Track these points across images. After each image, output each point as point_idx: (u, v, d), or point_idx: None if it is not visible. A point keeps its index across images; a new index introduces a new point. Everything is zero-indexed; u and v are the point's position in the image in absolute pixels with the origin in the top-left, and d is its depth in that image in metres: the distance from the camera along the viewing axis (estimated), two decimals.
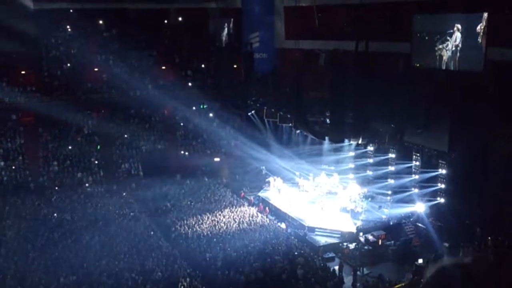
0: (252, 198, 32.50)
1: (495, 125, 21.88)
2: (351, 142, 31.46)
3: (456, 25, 21.11)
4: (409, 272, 22.33)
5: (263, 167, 36.64)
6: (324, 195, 31.14)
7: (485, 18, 19.82)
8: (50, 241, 25.29)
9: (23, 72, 38.34)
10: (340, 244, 25.76)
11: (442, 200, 26.31)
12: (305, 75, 32.45)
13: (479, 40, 20.09)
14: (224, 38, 40.29)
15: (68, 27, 41.74)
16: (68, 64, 40.19)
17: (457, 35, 21.11)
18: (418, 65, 23.40)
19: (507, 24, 20.15)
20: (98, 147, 37.97)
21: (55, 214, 29.43)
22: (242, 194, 33.65)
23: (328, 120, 30.54)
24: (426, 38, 22.73)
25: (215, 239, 25.26)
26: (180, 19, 45.79)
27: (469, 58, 20.69)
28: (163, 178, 35.39)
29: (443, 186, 26.27)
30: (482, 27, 19.90)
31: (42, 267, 22.24)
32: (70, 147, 37.34)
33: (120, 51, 39.99)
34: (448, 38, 21.50)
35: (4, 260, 23.10)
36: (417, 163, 27.99)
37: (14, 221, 28.25)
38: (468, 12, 20.92)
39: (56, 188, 34.22)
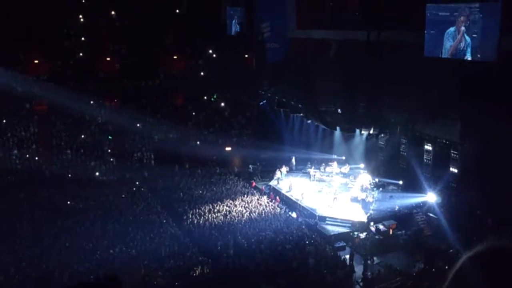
0: (263, 187, 32.66)
1: (507, 115, 21.74)
2: (363, 132, 31.45)
3: (470, 14, 20.91)
4: (420, 262, 22.41)
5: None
6: (335, 184, 31.18)
7: (500, 7, 19.62)
8: (64, 229, 25.58)
9: (36, 61, 38.67)
10: (351, 234, 25.80)
11: (453, 191, 26.23)
12: (317, 65, 32.40)
13: (493, 29, 19.91)
14: (235, 28, 40.23)
15: (80, 16, 41.94)
16: (81, 54, 40.43)
17: (471, 25, 20.92)
18: (430, 55, 23.23)
19: None
20: (110, 136, 38.27)
21: (68, 202, 29.84)
22: (253, 183, 33.79)
23: (339, 110, 30.51)
24: (439, 27, 22.56)
25: (226, 228, 25.47)
26: (191, 8, 45.71)
27: (483, 48, 20.52)
28: (175, 168, 35.65)
29: (454, 176, 26.18)
30: (497, 16, 19.71)
31: (55, 255, 22.52)
32: (83, 136, 37.70)
33: (132, 41, 40.13)
34: (462, 27, 21.33)
35: (18, 248, 23.37)
36: (429, 153, 27.91)
37: (28, 209, 28.68)
38: (482, 0, 20.70)
39: (69, 176, 34.59)
